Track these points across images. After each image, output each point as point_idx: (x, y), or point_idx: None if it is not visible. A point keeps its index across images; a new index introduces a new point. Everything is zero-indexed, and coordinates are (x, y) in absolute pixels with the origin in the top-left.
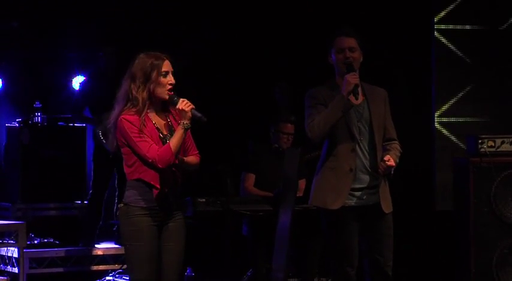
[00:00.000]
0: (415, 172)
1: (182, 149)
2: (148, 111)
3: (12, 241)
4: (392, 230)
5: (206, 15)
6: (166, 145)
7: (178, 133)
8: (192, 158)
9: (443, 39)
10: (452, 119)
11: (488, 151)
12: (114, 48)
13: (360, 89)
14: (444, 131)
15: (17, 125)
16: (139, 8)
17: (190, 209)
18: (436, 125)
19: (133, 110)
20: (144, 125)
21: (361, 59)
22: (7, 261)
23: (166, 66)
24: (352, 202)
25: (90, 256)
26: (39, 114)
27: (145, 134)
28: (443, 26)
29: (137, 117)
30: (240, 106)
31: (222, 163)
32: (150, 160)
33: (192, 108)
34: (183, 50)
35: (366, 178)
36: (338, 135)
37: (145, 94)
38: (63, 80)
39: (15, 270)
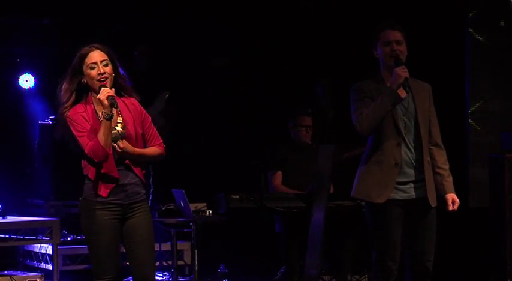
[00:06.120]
0: (450, 168)
1: (139, 139)
2: (94, 103)
3: (46, 238)
4: (435, 225)
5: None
6: (96, 139)
7: (102, 125)
8: (152, 149)
9: (477, 35)
10: (487, 115)
11: None
12: (147, 47)
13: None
14: (478, 127)
15: (50, 122)
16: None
17: (224, 206)
18: (470, 121)
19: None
20: (85, 118)
21: (406, 53)
22: (41, 258)
23: (94, 57)
24: (398, 195)
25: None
26: None
27: (85, 128)
28: (477, 22)
29: (80, 111)
30: (277, 103)
31: (255, 160)
32: (88, 156)
33: (109, 96)
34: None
35: (412, 172)
36: (384, 129)
37: (68, 87)
38: None
39: (49, 267)
